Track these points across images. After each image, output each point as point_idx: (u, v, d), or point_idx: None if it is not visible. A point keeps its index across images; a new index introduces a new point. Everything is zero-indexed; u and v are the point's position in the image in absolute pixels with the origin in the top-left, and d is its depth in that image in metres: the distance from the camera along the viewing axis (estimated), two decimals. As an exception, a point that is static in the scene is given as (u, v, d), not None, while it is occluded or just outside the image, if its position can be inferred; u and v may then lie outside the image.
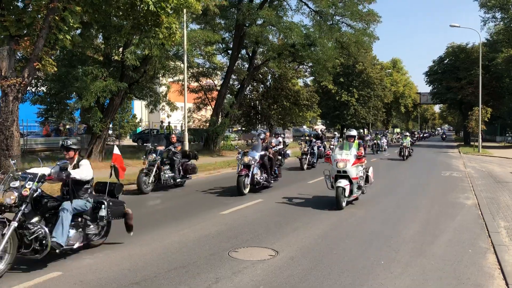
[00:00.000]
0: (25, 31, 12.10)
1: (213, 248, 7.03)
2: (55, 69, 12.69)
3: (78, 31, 14.88)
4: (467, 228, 8.91)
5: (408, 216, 10.11)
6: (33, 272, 5.76)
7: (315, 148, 21.52)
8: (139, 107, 55.82)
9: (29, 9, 12.32)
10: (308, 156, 20.73)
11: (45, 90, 20.24)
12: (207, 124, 31.06)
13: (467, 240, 7.87)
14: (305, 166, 20.40)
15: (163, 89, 33.68)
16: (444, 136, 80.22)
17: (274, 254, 6.78)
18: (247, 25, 27.61)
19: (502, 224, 9.14)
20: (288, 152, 21.05)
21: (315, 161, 21.41)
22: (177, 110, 30.37)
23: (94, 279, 5.57)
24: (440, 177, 18.40)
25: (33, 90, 20.11)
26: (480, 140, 37.20)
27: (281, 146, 20.24)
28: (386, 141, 37.51)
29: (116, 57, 16.61)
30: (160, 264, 6.22)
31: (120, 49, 20.10)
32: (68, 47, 13.32)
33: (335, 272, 6.04)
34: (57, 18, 11.71)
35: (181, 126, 30.97)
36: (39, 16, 11.94)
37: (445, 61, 54.24)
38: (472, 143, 44.50)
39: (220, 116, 31.11)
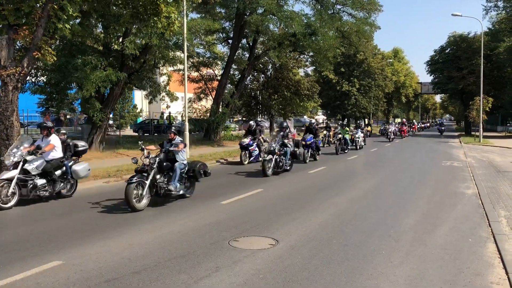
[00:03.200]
0: (24, 20, 11.99)
1: (213, 238, 7.03)
2: (55, 58, 12.60)
3: (78, 21, 14.76)
4: (467, 217, 8.91)
5: (408, 205, 10.10)
6: (33, 261, 5.77)
7: (181, 156, 10.21)
8: (139, 98, 55.72)
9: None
10: (145, 189, 9.10)
11: (45, 80, 20.16)
12: (208, 114, 31.00)
13: (467, 230, 7.87)
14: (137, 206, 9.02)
15: (164, 78, 33.58)
16: (442, 128, 55.65)
17: (274, 243, 6.78)
18: (247, 14, 27.46)
19: (502, 213, 9.13)
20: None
21: (177, 189, 9.87)
22: (177, 100, 30.22)
23: (95, 268, 5.58)
24: (441, 166, 18.39)
25: (33, 80, 20.02)
26: (481, 130, 37.14)
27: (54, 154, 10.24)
28: (362, 135, 28.99)
29: (115, 47, 16.48)
30: (160, 253, 6.22)
31: (120, 39, 20.00)
32: (68, 36, 13.23)
33: (335, 261, 6.04)
34: (55, 7, 11.59)
35: (182, 116, 30.90)
36: (38, 5, 11.84)
37: (447, 51, 53.96)
38: (473, 133, 44.43)
39: (220, 106, 31.05)
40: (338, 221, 8.34)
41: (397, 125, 47.68)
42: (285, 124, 16.93)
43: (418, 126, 64.42)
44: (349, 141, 25.02)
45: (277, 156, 14.73)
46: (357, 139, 27.73)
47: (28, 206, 9.42)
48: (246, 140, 18.37)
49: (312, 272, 5.59)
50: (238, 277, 5.37)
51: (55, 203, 9.99)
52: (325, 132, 30.60)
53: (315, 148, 19.78)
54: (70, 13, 11.97)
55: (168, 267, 5.67)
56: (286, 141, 15.65)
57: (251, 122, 20.37)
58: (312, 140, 19.40)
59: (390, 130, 38.69)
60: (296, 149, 16.69)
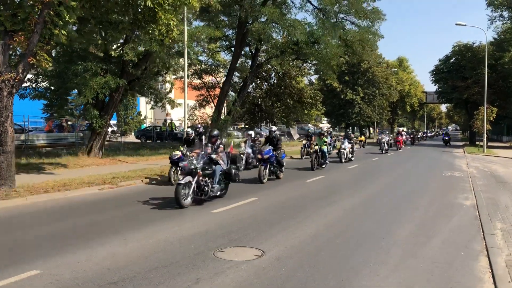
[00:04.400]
0: (20, 26, 11.96)
1: (199, 248, 6.89)
2: (50, 64, 12.57)
3: (75, 27, 14.75)
4: (462, 229, 8.71)
5: (404, 216, 9.92)
6: (10, 270, 5.64)
7: None
8: (144, 104, 55.86)
9: (25, 4, 12.19)
10: None
11: (45, 86, 20.19)
12: (210, 122, 30.95)
13: (460, 242, 7.68)
14: None
15: (167, 86, 33.61)
16: (447, 138, 52.18)
17: (260, 254, 6.63)
18: (249, 22, 27.45)
19: (498, 225, 8.93)
20: None
21: None
22: (178, 107, 30.20)
23: (71, 278, 5.45)
24: (442, 177, 18.16)
25: (34, 86, 20.05)
26: (485, 140, 36.82)
27: None
28: (349, 146, 24.61)
29: (112, 53, 16.48)
30: (142, 263, 6.09)
31: (114, 46, 20.02)
32: (64, 42, 13.22)
33: (320, 274, 5.88)
34: (52, 13, 11.57)
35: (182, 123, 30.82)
36: (35, 10, 11.82)
37: (451, 60, 53.69)
38: (477, 142, 44.06)
39: (222, 114, 30.99)
40: (329, 232, 8.17)
41: (392, 135, 41.66)
42: (215, 132, 12.18)
43: (419, 136, 60.77)
44: (327, 154, 20.72)
45: (201, 178, 10.50)
46: (342, 150, 23.81)
47: (13, 212, 9.34)
48: (178, 153, 13.78)
49: (295, 285, 5.44)
50: (217, 290, 5.23)
51: (41, 211, 9.88)
52: (304, 141, 27.04)
53: (275, 163, 15.59)
54: (67, 19, 11.95)
55: (148, 278, 5.53)
56: (214, 156, 11.11)
57: (188, 130, 15.89)
58: (271, 154, 15.15)
59: (383, 140, 33.37)
60: (232, 166, 12.05)
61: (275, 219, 9.17)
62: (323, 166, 20.23)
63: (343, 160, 23.52)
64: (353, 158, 24.93)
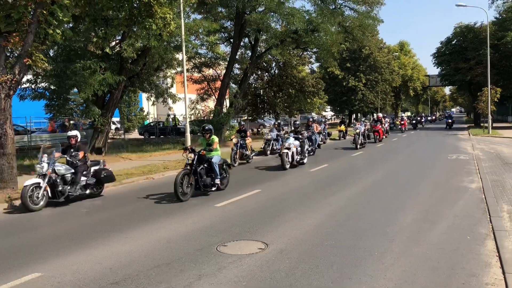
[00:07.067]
0: (14, 27, 11.87)
1: (201, 243, 6.83)
2: (46, 64, 12.50)
3: (70, 25, 14.63)
4: (468, 213, 8.59)
5: (408, 202, 9.81)
6: (11, 274, 5.61)
7: None
8: (146, 100, 55.78)
9: (18, 4, 12.08)
10: None
11: (44, 86, 20.10)
12: (212, 115, 30.85)
13: (466, 227, 7.57)
14: None
15: (168, 81, 33.54)
16: (450, 121, 48.55)
17: (263, 247, 6.56)
18: (247, 12, 27.23)
19: (505, 208, 8.80)
20: None
21: None
22: (179, 102, 30.12)
23: (73, 280, 5.40)
24: (446, 160, 18.01)
25: (33, 86, 19.97)
26: (490, 121, 36.52)
27: None
28: (297, 144, 16.59)
29: (107, 51, 16.39)
30: (144, 261, 6.03)
31: (113, 43, 19.91)
32: (59, 41, 13.12)
33: (324, 264, 5.80)
34: (45, 12, 11.46)
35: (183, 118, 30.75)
36: (28, 10, 11.71)
37: (453, 42, 53.14)
38: (482, 124, 43.73)
39: (224, 106, 30.89)
40: (332, 222, 8.08)
41: (370, 122, 32.14)
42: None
43: (414, 122, 53.14)
44: (217, 166, 11.11)
45: None
46: (285, 151, 15.85)
47: (15, 215, 9.31)
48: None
49: (298, 278, 5.36)
50: (220, 286, 5.16)
51: (44, 211, 9.83)
52: (233, 138, 19.50)
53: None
54: (61, 18, 11.84)
55: (150, 276, 5.48)
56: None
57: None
58: None
59: (357, 131, 24.60)
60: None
61: (278, 210, 9.10)
62: (213, 188, 11.15)
63: (287, 166, 15.72)
64: (305, 161, 17.29)
